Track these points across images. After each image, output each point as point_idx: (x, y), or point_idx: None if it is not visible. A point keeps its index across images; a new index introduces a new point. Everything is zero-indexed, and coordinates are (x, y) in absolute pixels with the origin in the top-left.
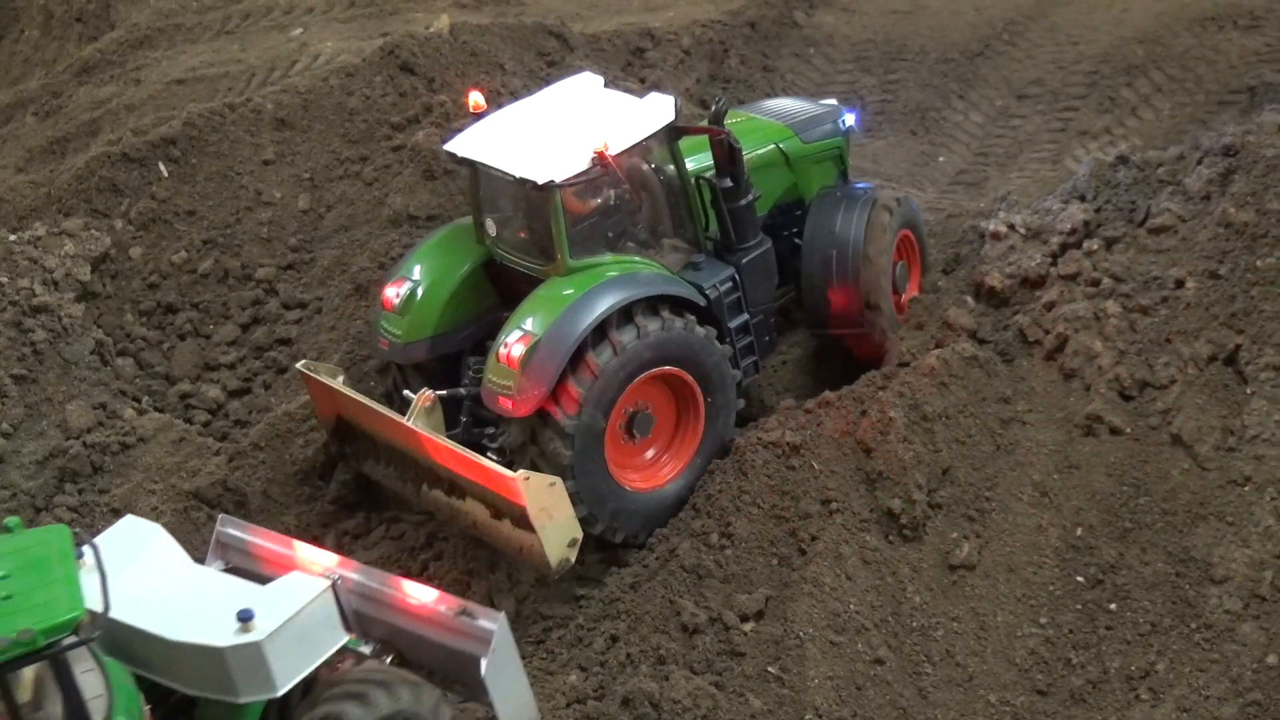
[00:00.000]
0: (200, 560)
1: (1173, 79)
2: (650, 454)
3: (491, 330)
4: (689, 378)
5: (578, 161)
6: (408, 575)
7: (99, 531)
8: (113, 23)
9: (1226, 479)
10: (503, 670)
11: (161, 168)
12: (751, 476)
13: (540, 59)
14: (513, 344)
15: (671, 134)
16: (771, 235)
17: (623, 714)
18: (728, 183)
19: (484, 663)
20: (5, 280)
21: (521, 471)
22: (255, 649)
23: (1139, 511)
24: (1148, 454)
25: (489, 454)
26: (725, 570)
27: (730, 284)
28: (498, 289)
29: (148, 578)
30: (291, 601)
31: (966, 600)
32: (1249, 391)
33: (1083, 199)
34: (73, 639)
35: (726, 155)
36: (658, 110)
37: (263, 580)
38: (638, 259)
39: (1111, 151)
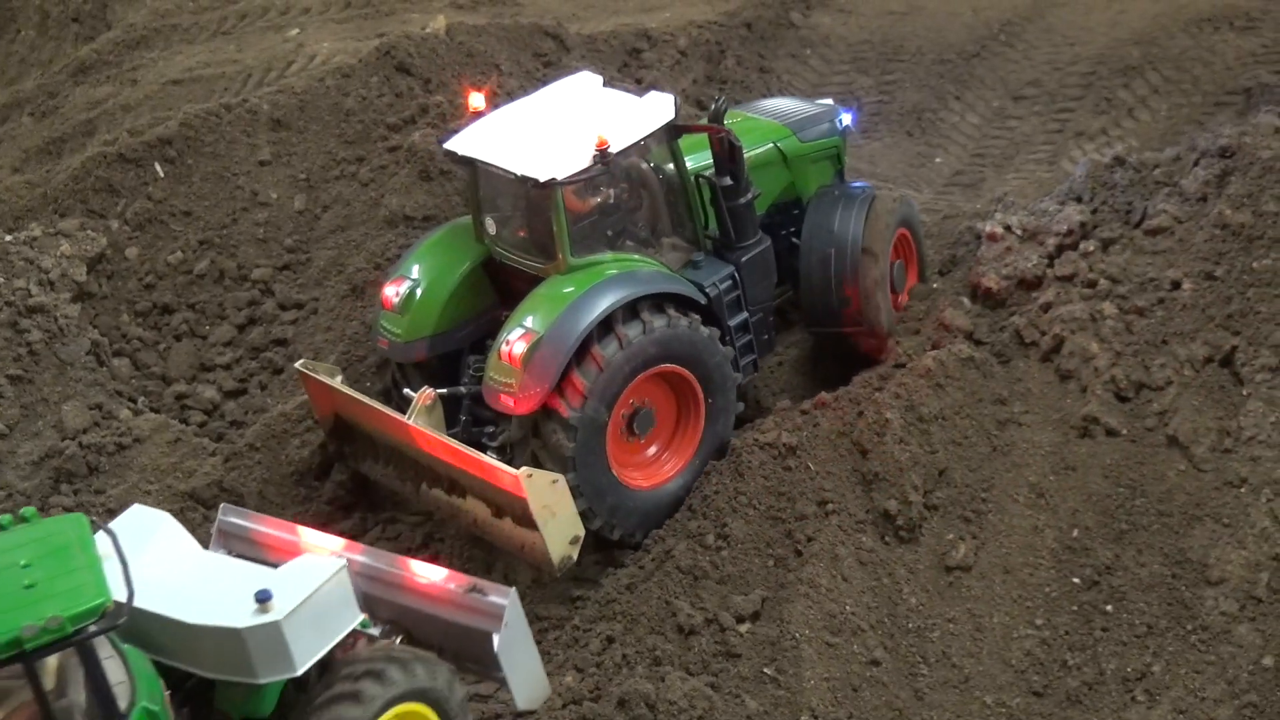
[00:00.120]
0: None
1: (1169, 80)
2: (650, 452)
3: (491, 329)
4: (691, 377)
5: (579, 159)
6: None
7: (99, 527)
8: (109, 23)
9: (1223, 480)
10: (515, 645)
11: (157, 168)
12: (748, 477)
13: (536, 59)
14: (514, 341)
15: (671, 132)
16: (769, 234)
17: (619, 715)
18: (727, 181)
19: (496, 639)
20: (1, 280)
21: (524, 468)
22: (274, 629)
23: (1135, 513)
24: (1144, 455)
25: (489, 452)
26: (721, 571)
27: (730, 282)
28: (497, 288)
29: (160, 564)
30: (308, 582)
31: (962, 601)
32: (1245, 393)
33: (1079, 200)
34: (100, 625)
35: (727, 153)
36: (658, 108)
37: (269, 567)
38: (637, 257)
39: (1108, 153)
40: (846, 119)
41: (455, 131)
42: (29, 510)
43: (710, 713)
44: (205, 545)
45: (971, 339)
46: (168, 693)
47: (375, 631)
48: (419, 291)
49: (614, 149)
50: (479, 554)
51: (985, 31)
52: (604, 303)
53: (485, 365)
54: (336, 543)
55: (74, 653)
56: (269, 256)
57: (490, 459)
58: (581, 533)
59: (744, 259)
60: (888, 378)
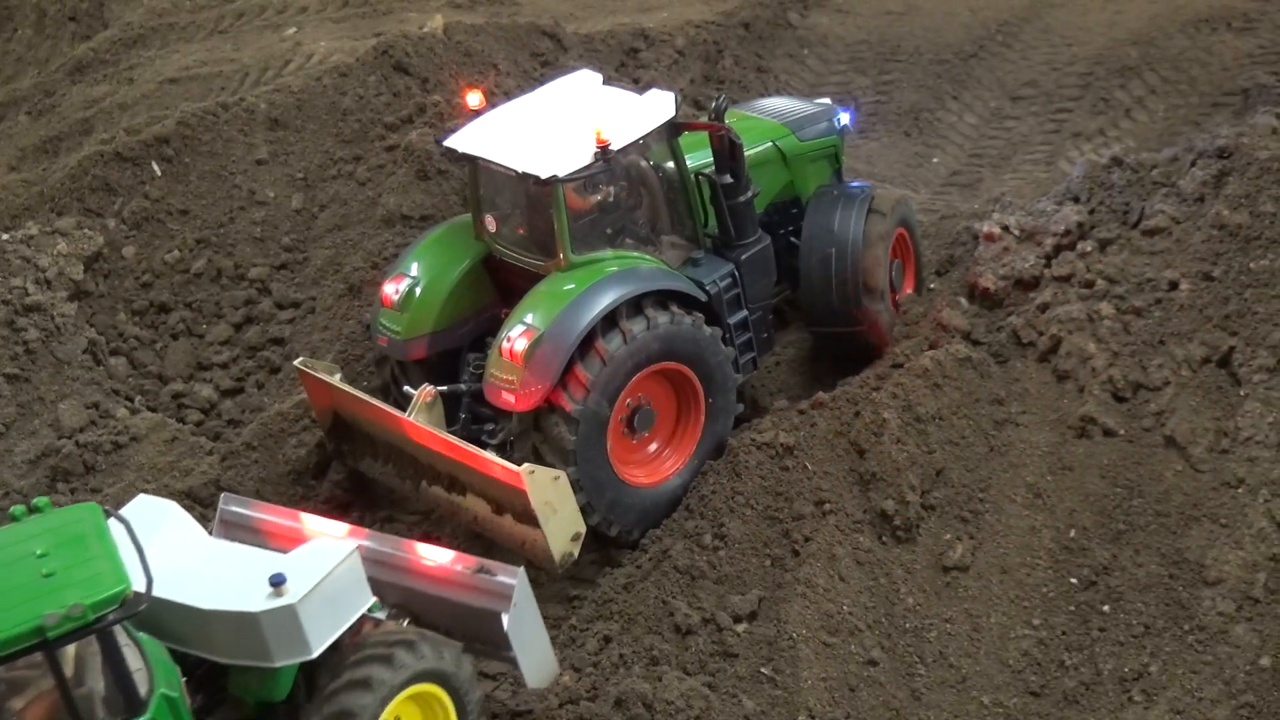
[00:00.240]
0: None
1: (1166, 81)
2: (649, 450)
3: (490, 327)
4: (693, 376)
5: (580, 156)
6: None
7: (111, 515)
8: (106, 22)
9: (1220, 481)
10: (524, 624)
11: (155, 167)
12: (745, 477)
13: (534, 59)
14: (516, 338)
15: (672, 130)
16: (767, 233)
17: (616, 715)
18: (728, 179)
19: (506, 618)
20: None
21: (526, 465)
22: (289, 612)
23: (1132, 513)
24: (1141, 456)
25: (488, 450)
26: (718, 571)
27: (730, 280)
28: (496, 286)
29: (170, 552)
30: (321, 565)
31: (960, 601)
32: (1242, 393)
33: (1077, 200)
34: (120, 612)
35: (727, 151)
36: (659, 106)
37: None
38: (638, 254)
39: (1105, 153)
40: (844, 118)
41: (454, 130)
42: (42, 500)
43: (707, 712)
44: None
45: (969, 339)
46: (183, 679)
47: (382, 615)
48: (419, 289)
49: (615, 146)
50: (479, 551)
51: (983, 32)
52: (605, 300)
53: (485, 362)
54: (340, 528)
55: (91, 641)
56: (266, 255)
57: (492, 456)
58: (583, 529)
59: (744, 257)
60: (885, 378)
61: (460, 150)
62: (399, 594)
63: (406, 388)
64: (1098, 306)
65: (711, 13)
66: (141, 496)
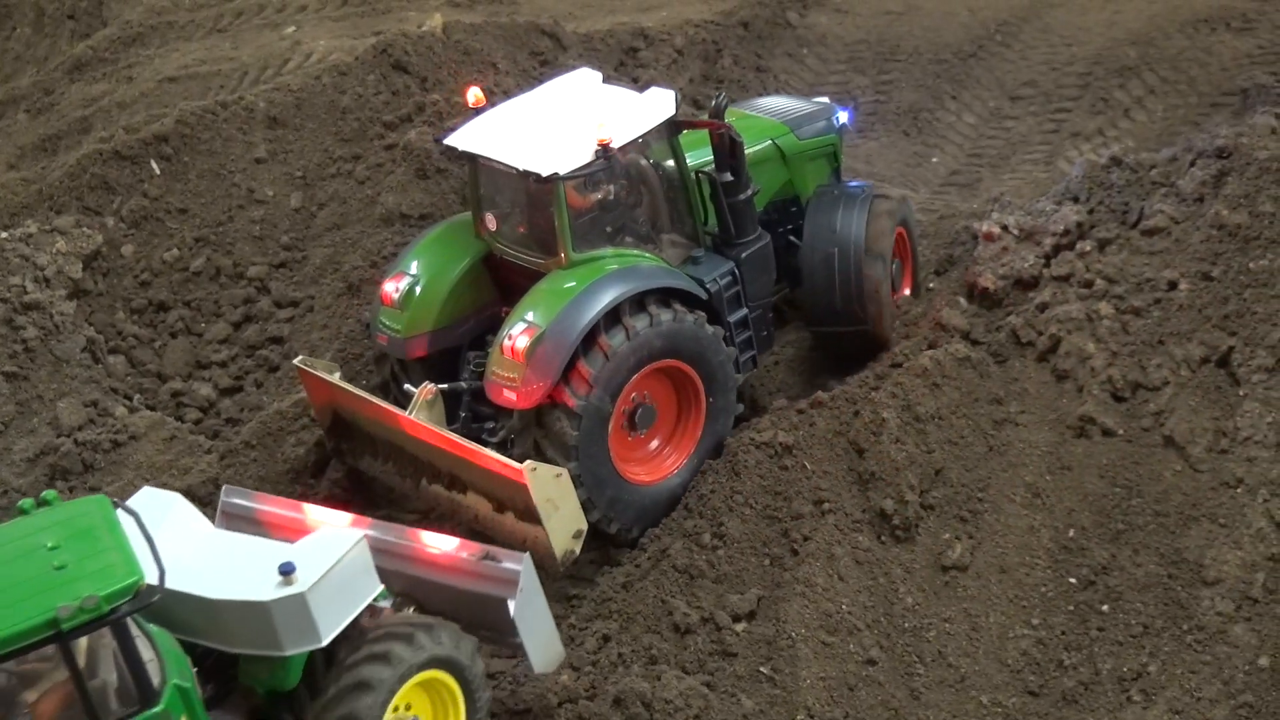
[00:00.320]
0: None
1: (1165, 81)
2: (649, 449)
3: (490, 325)
4: (694, 375)
5: (581, 154)
6: None
7: (119, 507)
8: (105, 20)
9: (1219, 481)
10: (530, 610)
11: (153, 165)
12: (744, 477)
13: (533, 58)
14: (517, 336)
15: (672, 128)
16: (766, 231)
17: (614, 714)
18: (728, 177)
19: (512, 604)
20: None
21: (529, 462)
22: (299, 600)
23: (1131, 513)
24: (1140, 455)
25: (488, 448)
26: (717, 570)
27: (730, 278)
28: (497, 284)
29: (177, 543)
30: (329, 553)
31: (958, 601)
32: (1241, 393)
33: (1076, 200)
34: (134, 603)
35: (727, 149)
36: (659, 104)
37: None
38: (638, 253)
39: (1104, 153)
40: (843, 117)
41: (454, 128)
42: (50, 494)
43: (706, 711)
44: None
45: (968, 339)
46: (194, 670)
47: (387, 604)
48: (419, 288)
49: (616, 144)
50: None
51: (982, 31)
52: (606, 297)
53: (486, 360)
54: (344, 517)
55: (102, 634)
56: (265, 254)
57: (494, 453)
58: (584, 527)
59: (744, 255)
60: (884, 377)
61: (461, 148)
62: (403, 582)
63: (407, 386)
64: (1097, 306)
65: (710, 12)
66: (146, 489)
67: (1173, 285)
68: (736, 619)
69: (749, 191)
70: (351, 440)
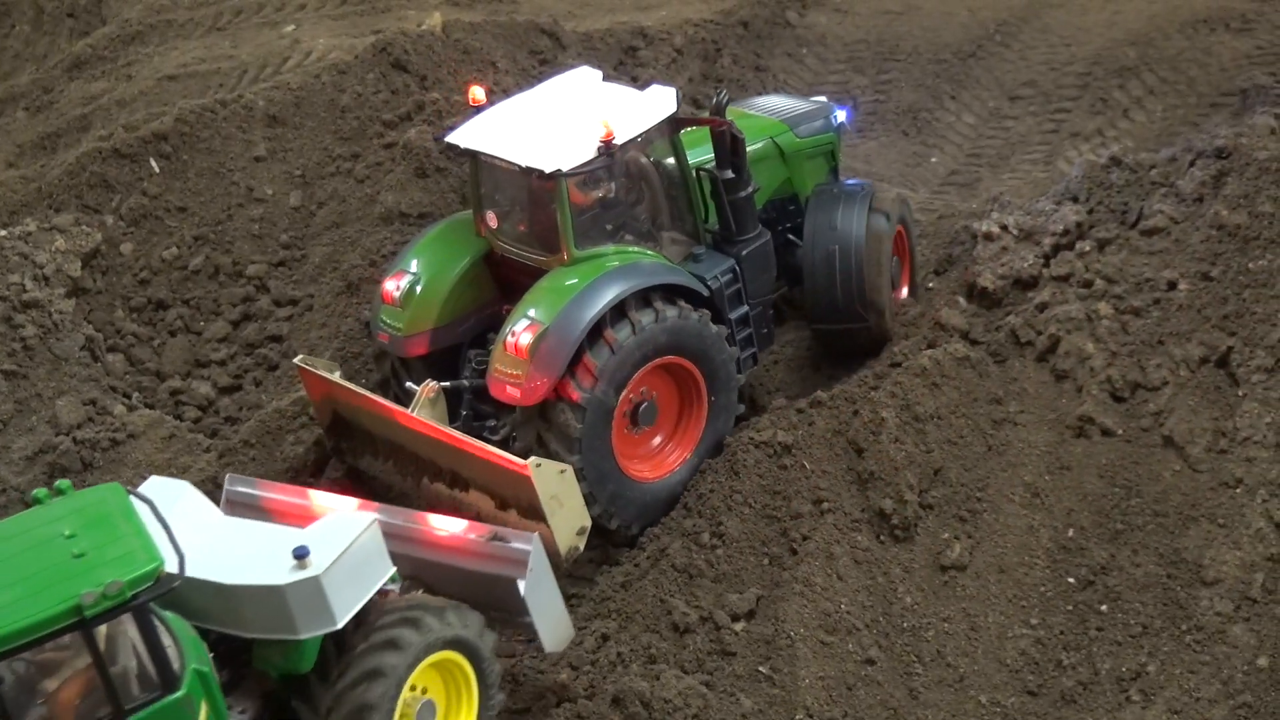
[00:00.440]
0: None
1: (1165, 81)
2: (651, 446)
3: (491, 323)
4: (697, 373)
5: (584, 151)
6: None
7: (133, 494)
8: (104, 18)
9: (1218, 481)
10: (540, 589)
11: (153, 164)
12: (743, 476)
13: (533, 57)
14: (520, 333)
15: (673, 125)
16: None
17: (613, 713)
18: (728, 174)
19: (522, 584)
20: None
21: (533, 459)
22: (314, 584)
23: (1130, 513)
24: (1139, 455)
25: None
26: (716, 570)
27: (731, 275)
28: (498, 282)
29: (189, 530)
30: (342, 536)
31: (957, 601)
32: (1241, 393)
33: (1075, 200)
34: (155, 589)
35: (729, 146)
36: (660, 101)
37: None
38: (639, 250)
39: (1104, 153)
40: (841, 115)
41: (455, 126)
42: (64, 483)
43: (705, 711)
44: None
45: (967, 338)
46: (211, 655)
47: (396, 587)
48: (419, 286)
49: (619, 140)
50: None
51: (981, 31)
52: (609, 294)
53: (488, 358)
54: (351, 502)
55: (121, 620)
56: (264, 253)
57: (497, 450)
58: (588, 523)
59: (744, 252)
60: (883, 377)
61: (462, 146)
62: (411, 565)
63: (408, 384)
64: (1096, 306)
65: (710, 11)
66: (154, 478)
67: (1172, 285)
68: (735, 618)
69: (750, 189)
70: (351, 439)
